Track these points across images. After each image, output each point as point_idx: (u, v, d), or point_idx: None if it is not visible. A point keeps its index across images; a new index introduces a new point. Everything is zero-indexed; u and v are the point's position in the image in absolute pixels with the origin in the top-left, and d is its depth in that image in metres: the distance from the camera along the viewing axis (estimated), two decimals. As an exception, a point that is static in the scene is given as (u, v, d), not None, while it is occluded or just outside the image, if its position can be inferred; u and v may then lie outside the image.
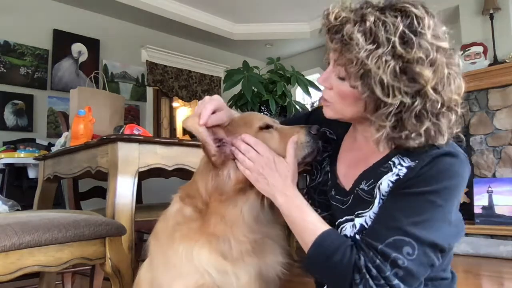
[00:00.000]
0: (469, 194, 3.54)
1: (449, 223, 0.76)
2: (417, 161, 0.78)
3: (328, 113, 0.90)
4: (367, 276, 0.72)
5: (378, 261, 0.72)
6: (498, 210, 3.38)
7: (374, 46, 0.73)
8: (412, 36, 0.72)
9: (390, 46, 0.72)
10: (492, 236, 3.32)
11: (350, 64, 0.75)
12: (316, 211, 0.97)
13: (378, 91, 0.74)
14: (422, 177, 0.76)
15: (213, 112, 0.87)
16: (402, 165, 0.80)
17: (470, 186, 3.54)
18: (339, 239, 0.78)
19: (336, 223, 0.89)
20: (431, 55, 0.72)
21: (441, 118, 0.77)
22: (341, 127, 1.01)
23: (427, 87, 0.73)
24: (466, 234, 3.37)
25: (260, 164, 0.85)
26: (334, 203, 0.94)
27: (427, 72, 0.72)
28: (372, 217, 0.82)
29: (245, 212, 0.88)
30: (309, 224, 0.81)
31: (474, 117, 3.68)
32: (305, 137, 0.91)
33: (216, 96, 0.90)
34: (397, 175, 0.80)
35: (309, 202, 1.01)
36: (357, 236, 0.82)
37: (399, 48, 0.72)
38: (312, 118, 1.11)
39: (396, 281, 0.71)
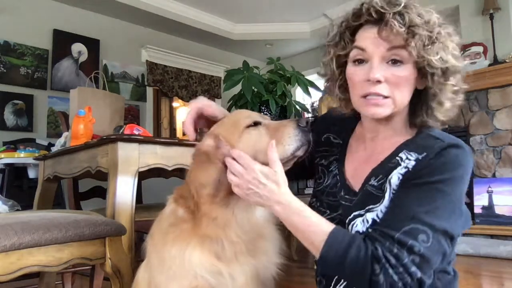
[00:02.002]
0: (469, 194, 3.53)
1: (457, 212, 0.79)
2: (424, 154, 0.81)
3: (385, 111, 0.85)
4: (387, 266, 0.72)
5: (395, 249, 0.73)
6: (498, 210, 3.38)
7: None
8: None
9: (437, 25, 0.82)
10: (492, 236, 3.32)
11: (421, 41, 0.81)
12: (325, 212, 0.96)
13: (434, 60, 0.81)
14: (431, 168, 0.79)
15: (200, 116, 0.98)
16: (409, 159, 0.83)
17: (470, 186, 3.53)
18: (349, 235, 0.79)
19: (346, 221, 0.89)
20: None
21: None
22: (345, 131, 1.02)
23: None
24: (466, 234, 3.37)
25: (246, 178, 0.82)
26: (343, 202, 0.93)
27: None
28: (383, 211, 0.82)
29: (238, 213, 0.87)
30: (314, 227, 0.80)
31: (474, 117, 3.67)
32: (294, 130, 0.87)
33: (198, 99, 0.99)
34: (406, 167, 0.82)
35: (317, 204, 1.01)
36: (370, 231, 0.82)
37: (441, 29, 0.82)
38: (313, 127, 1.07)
39: (413, 268, 0.72)
